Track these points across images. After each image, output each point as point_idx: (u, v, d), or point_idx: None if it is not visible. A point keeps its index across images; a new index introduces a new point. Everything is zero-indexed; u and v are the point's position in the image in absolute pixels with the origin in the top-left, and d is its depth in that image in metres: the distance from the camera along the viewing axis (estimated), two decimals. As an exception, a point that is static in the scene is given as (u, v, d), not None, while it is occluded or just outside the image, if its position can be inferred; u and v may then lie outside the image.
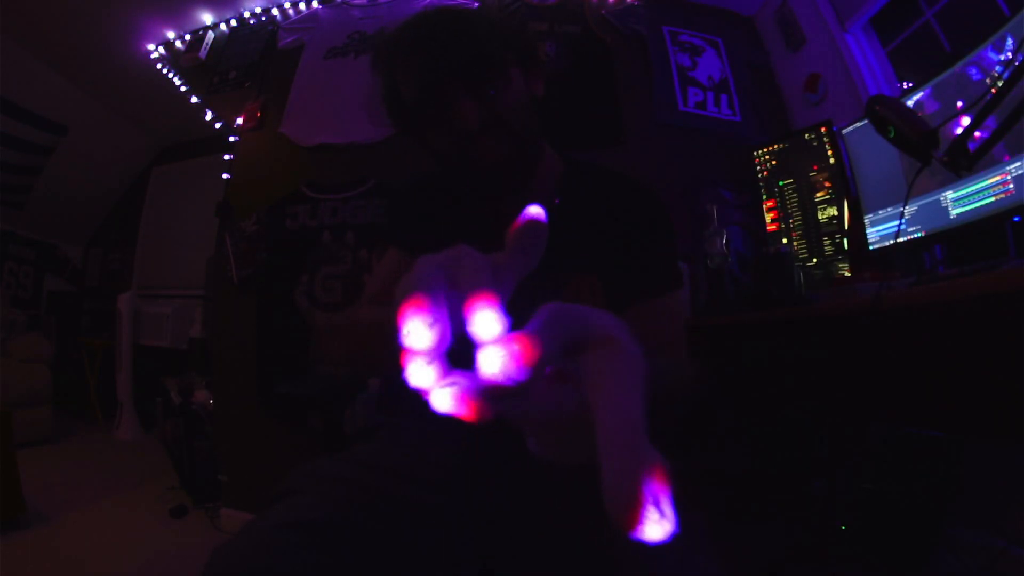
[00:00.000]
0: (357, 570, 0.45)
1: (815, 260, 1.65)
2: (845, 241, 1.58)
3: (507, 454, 0.61)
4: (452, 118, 0.60)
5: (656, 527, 0.16)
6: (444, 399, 0.19)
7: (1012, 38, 1.01)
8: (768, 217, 1.81)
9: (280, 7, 2.42)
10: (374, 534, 0.48)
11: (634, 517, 0.16)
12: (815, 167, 1.68)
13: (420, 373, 0.19)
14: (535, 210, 0.25)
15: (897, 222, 1.29)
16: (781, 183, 1.78)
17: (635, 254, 0.67)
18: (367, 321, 0.60)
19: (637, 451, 0.18)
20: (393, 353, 0.21)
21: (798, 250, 1.69)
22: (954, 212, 1.14)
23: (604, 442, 0.18)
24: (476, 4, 2.20)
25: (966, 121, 0.77)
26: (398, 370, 0.20)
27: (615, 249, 0.67)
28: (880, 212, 1.38)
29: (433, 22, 0.61)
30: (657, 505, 0.17)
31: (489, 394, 0.19)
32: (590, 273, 0.65)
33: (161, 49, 2.63)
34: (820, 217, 1.65)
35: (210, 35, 2.55)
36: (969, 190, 1.10)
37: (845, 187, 1.58)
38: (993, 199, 1.05)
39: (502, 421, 0.21)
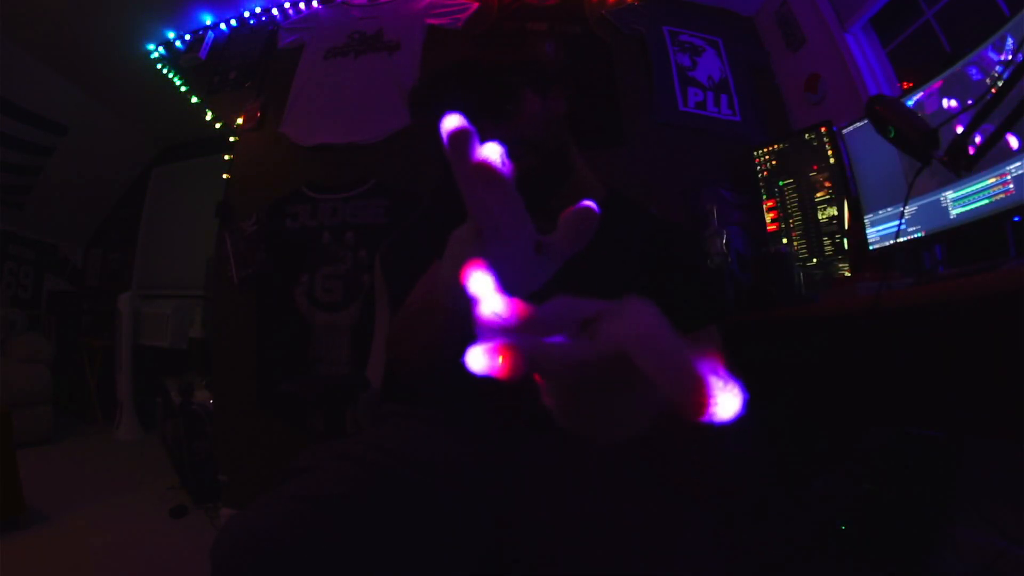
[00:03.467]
0: (365, 547, 0.46)
1: (815, 260, 1.65)
2: (845, 241, 1.58)
3: (516, 448, 0.62)
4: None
5: (727, 400, 0.17)
6: (479, 357, 0.20)
7: (1012, 38, 1.01)
8: (768, 217, 1.81)
9: (280, 7, 2.42)
10: (383, 514, 0.49)
11: (700, 398, 0.17)
12: (815, 167, 1.68)
13: (491, 299, 0.21)
14: (589, 202, 0.28)
15: (897, 222, 1.29)
16: (781, 183, 1.78)
17: (670, 288, 0.66)
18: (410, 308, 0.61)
19: (679, 345, 0.19)
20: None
21: (798, 250, 1.69)
22: (954, 212, 1.14)
23: (644, 349, 0.19)
24: (475, 5, 2.20)
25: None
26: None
27: (649, 280, 0.67)
28: (880, 212, 1.38)
29: (455, 74, 0.69)
30: (718, 379, 0.17)
31: (522, 347, 0.20)
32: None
33: (161, 49, 2.63)
34: (820, 217, 1.65)
35: (210, 35, 2.55)
36: (969, 190, 1.10)
37: (845, 187, 1.58)
38: (993, 199, 1.05)
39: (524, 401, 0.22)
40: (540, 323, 0.22)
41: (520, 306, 0.21)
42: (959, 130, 0.77)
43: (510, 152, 0.63)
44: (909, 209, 1.24)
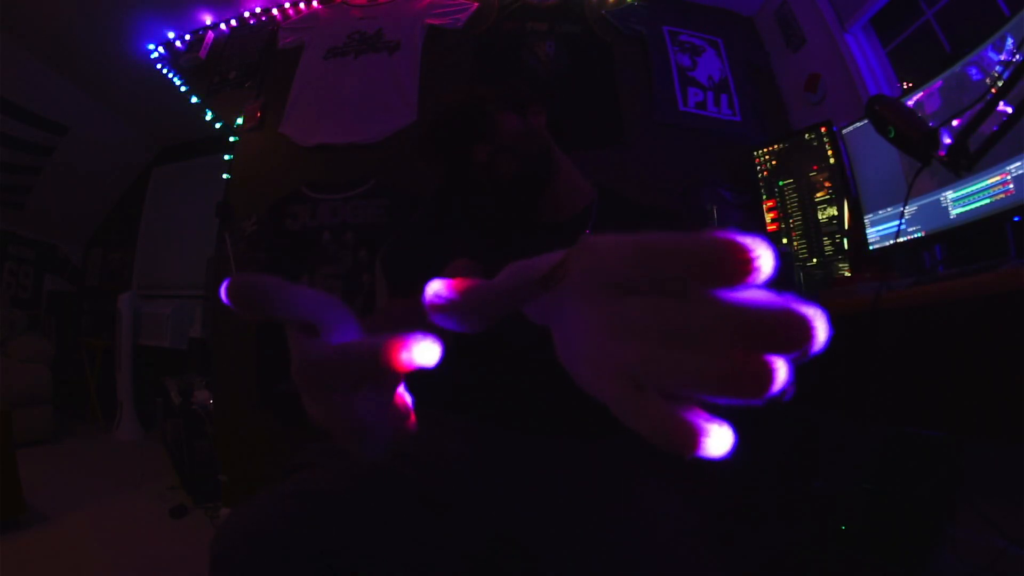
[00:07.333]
0: (361, 545, 0.46)
1: (815, 260, 1.65)
2: (845, 241, 1.58)
3: (515, 453, 0.62)
4: (472, 155, 0.80)
5: (717, 440, 0.14)
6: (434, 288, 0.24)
7: (1012, 38, 1.01)
8: (768, 217, 1.81)
9: (280, 7, 2.42)
10: (379, 512, 0.49)
11: (686, 440, 0.15)
12: (815, 167, 1.68)
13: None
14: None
15: (897, 222, 1.29)
16: (781, 183, 1.78)
17: None
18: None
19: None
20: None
21: (798, 250, 1.69)
22: (954, 212, 1.14)
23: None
24: (475, 5, 2.20)
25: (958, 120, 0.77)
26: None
27: None
28: (880, 212, 1.38)
29: (447, 115, 0.82)
30: (700, 418, 0.15)
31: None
32: None
33: (161, 49, 2.63)
34: (820, 217, 1.65)
35: (210, 35, 2.55)
36: (969, 190, 1.10)
37: (845, 187, 1.58)
38: (993, 199, 1.05)
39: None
40: (493, 292, 0.24)
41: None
42: (959, 130, 0.77)
43: (495, 161, 0.76)
44: (909, 209, 1.24)
